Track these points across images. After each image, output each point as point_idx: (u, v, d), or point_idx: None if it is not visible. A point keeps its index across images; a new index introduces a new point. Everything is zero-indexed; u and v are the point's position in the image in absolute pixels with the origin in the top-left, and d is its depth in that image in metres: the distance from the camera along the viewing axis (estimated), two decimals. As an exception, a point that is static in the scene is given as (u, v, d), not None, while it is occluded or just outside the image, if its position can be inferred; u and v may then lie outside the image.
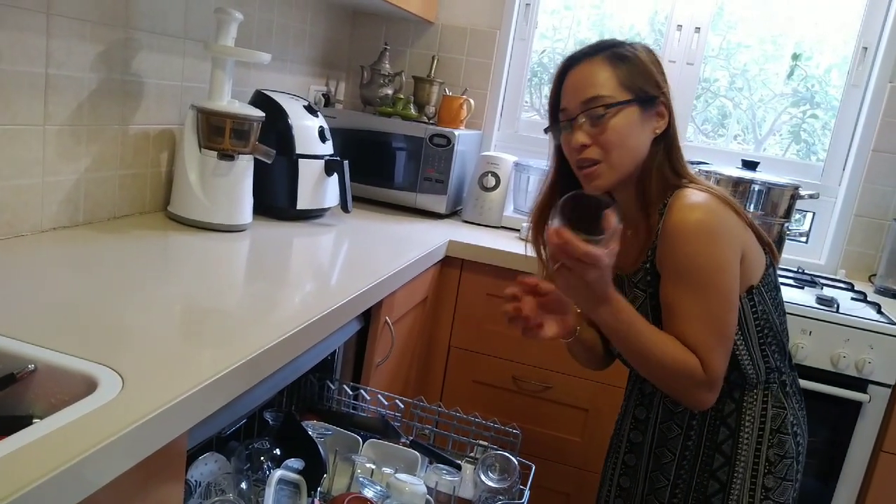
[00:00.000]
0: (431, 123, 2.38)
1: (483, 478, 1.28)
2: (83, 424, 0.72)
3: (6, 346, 0.87)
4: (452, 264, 2.03)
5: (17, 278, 1.12)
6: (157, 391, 0.81)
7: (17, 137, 1.30)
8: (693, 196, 1.08)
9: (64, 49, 1.35)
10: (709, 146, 2.56)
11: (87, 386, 0.81)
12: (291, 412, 1.34)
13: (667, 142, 1.14)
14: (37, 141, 1.34)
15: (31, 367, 0.84)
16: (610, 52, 1.11)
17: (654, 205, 1.12)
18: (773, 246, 1.19)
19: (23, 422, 0.81)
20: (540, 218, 1.25)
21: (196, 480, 1.09)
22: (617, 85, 1.09)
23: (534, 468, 1.33)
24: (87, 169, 1.47)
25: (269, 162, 1.68)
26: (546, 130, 1.20)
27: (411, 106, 2.41)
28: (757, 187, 1.99)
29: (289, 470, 1.15)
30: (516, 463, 1.28)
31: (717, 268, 1.06)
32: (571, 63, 1.14)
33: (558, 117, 1.16)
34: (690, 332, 1.07)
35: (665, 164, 1.13)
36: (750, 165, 2.09)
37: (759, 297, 1.14)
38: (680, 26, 2.46)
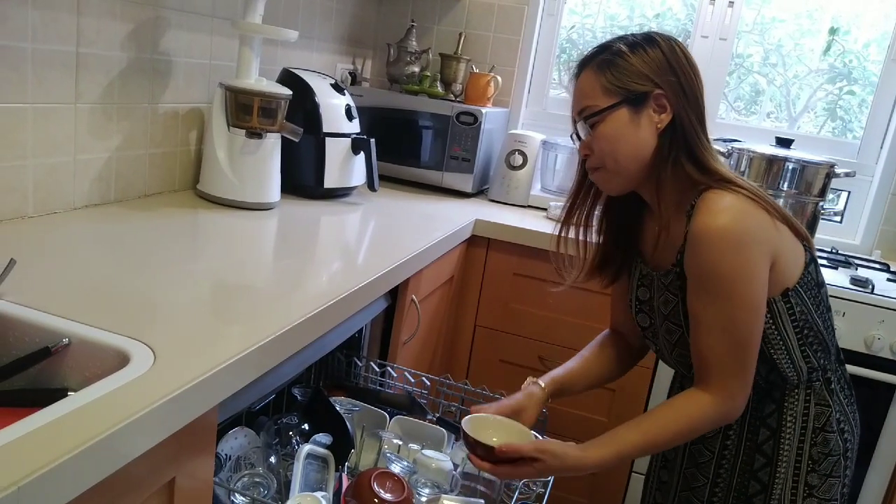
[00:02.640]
0: (458, 101, 2.36)
1: None
2: (116, 397, 0.73)
3: (41, 320, 0.88)
4: (479, 243, 2.02)
5: (50, 255, 1.14)
6: (188, 365, 0.82)
7: (49, 116, 1.31)
8: (720, 200, 1.03)
9: (94, 27, 1.36)
10: (741, 123, 2.51)
11: (120, 360, 0.82)
12: (319, 388, 1.36)
13: (677, 133, 1.08)
14: (69, 119, 1.36)
15: (66, 341, 0.86)
16: (598, 59, 1.10)
17: (680, 203, 1.09)
18: (811, 240, 1.14)
19: (57, 394, 0.84)
20: (569, 218, 1.25)
21: (226, 454, 1.11)
22: (601, 92, 1.09)
23: (560, 447, 1.33)
24: (117, 147, 1.49)
25: (296, 140, 1.69)
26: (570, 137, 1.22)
27: (438, 84, 2.40)
28: (791, 165, 1.95)
29: (317, 445, 1.16)
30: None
31: (741, 277, 1.02)
32: (573, 75, 1.16)
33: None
34: (709, 343, 1.06)
35: (681, 156, 1.08)
36: (784, 143, 2.05)
37: (797, 299, 1.09)
38: (713, 0, 2.40)
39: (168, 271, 1.15)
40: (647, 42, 1.09)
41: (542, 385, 1.27)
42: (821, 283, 1.14)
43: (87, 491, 0.66)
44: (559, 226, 1.25)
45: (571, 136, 1.18)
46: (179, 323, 0.95)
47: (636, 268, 1.24)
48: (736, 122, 2.51)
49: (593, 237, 1.25)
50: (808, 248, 1.13)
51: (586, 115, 1.10)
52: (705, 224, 1.02)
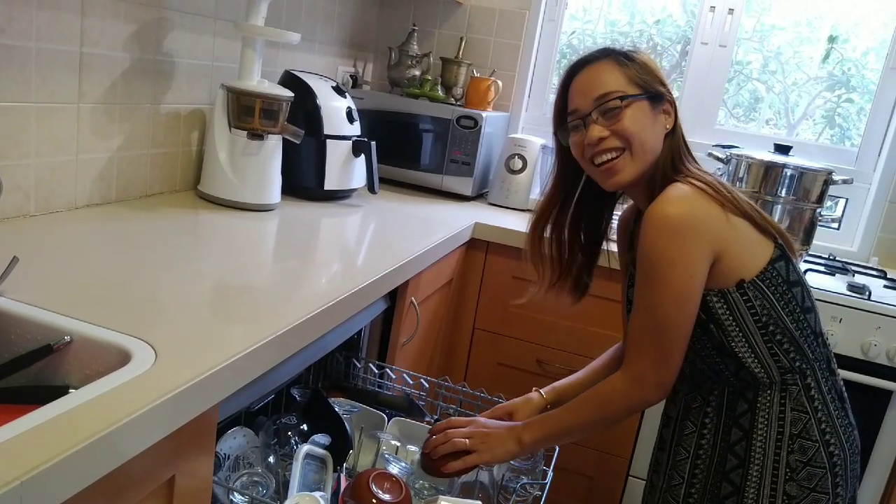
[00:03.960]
0: (459, 105, 2.37)
1: None
2: (118, 395, 0.74)
3: (43, 318, 0.89)
4: (478, 246, 2.03)
5: (52, 253, 1.15)
6: (188, 364, 0.82)
7: (53, 115, 1.32)
8: (674, 190, 1.10)
9: (98, 28, 1.37)
10: (740, 130, 2.52)
11: (121, 358, 0.83)
12: (318, 389, 1.36)
13: (673, 140, 1.17)
14: (71, 119, 1.36)
15: (67, 338, 0.86)
16: (616, 54, 1.16)
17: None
18: (786, 238, 1.15)
19: (59, 391, 0.84)
20: (541, 220, 1.30)
21: (225, 453, 1.12)
22: (627, 81, 1.14)
23: (557, 450, 1.33)
24: (119, 147, 1.49)
25: (297, 142, 1.69)
26: (554, 134, 1.24)
27: (439, 87, 2.41)
28: (789, 172, 1.96)
29: (316, 445, 1.16)
30: None
31: (668, 261, 1.06)
32: (577, 68, 1.18)
33: (565, 121, 1.20)
34: (633, 325, 1.13)
35: (668, 162, 1.16)
36: (782, 149, 2.06)
37: (756, 292, 1.10)
38: (713, 7, 2.41)
39: (169, 271, 1.15)
40: (649, 56, 1.19)
41: (543, 394, 1.34)
42: (793, 282, 1.13)
43: (88, 487, 0.67)
44: (531, 234, 1.30)
45: (554, 134, 1.21)
46: (180, 322, 0.95)
47: (629, 269, 1.28)
48: (734, 129, 2.52)
49: (559, 252, 1.30)
50: (781, 245, 1.14)
51: (614, 98, 1.12)
52: (652, 210, 1.08)
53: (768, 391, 1.14)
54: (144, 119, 1.55)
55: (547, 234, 1.29)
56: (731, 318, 1.11)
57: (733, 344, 1.11)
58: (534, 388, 1.35)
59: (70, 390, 0.84)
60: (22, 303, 0.92)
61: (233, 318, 1.01)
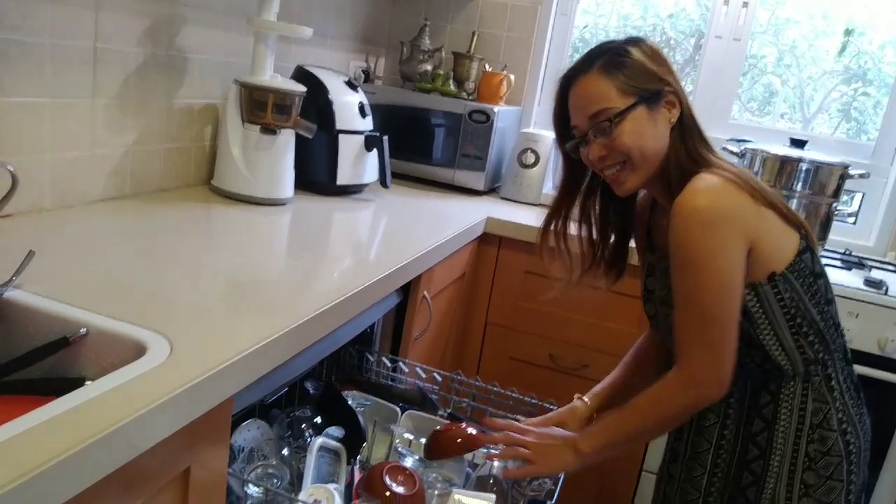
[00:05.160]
0: (471, 99, 2.37)
1: None
2: (134, 387, 0.74)
3: (59, 310, 0.90)
4: (490, 241, 2.03)
5: (67, 247, 1.16)
6: (204, 357, 0.83)
7: (67, 110, 1.33)
8: (702, 181, 1.08)
9: (112, 23, 1.38)
10: (754, 124, 2.50)
11: (137, 350, 0.83)
12: (332, 382, 1.36)
13: (682, 128, 1.14)
14: (86, 114, 1.37)
15: (83, 331, 0.87)
16: (602, 61, 1.11)
17: (675, 193, 1.11)
18: (810, 230, 1.14)
19: (75, 383, 0.84)
20: (553, 219, 1.28)
21: (239, 445, 1.12)
22: (617, 93, 1.10)
23: (570, 444, 1.33)
24: (133, 142, 1.50)
25: (309, 137, 1.70)
26: (559, 144, 1.23)
27: (450, 82, 2.40)
28: (804, 166, 1.94)
29: (329, 438, 1.17)
30: None
31: (708, 252, 1.04)
32: (569, 81, 1.15)
33: (567, 132, 1.18)
34: (680, 320, 1.10)
35: (681, 150, 1.13)
36: (798, 144, 2.04)
37: (786, 285, 1.09)
38: (727, 1, 2.39)
39: (183, 264, 1.16)
40: (638, 42, 1.14)
41: (587, 400, 1.33)
42: (818, 274, 1.13)
43: (105, 478, 0.67)
44: (543, 231, 1.29)
45: (566, 145, 1.19)
46: (195, 315, 0.96)
47: (647, 259, 1.28)
48: (749, 123, 2.51)
49: (589, 236, 1.29)
50: (805, 237, 1.13)
51: (606, 118, 1.10)
52: (681, 203, 1.06)
53: (791, 382, 1.14)
54: (158, 114, 1.56)
55: (569, 227, 1.28)
56: (760, 310, 1.10)
57: (761, 336, 1.11)
58: (575, 396, 1.34)
59: (86, 382, 0.84)
60: (38, 295, 0.92)
61: (247, 312, 1.02)
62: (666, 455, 1.33)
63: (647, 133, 1.11)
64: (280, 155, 1.66)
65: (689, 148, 1.13)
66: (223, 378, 0.83)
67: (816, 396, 1.14)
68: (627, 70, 1.10)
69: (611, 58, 1.11)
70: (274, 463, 1.08)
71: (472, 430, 1.21)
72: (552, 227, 1.28)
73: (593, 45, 1.16)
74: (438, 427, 1.25)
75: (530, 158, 2.28)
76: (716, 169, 1.10)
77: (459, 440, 1.20)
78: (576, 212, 1.27)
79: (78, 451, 0.63)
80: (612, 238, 1.29)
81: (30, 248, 0.96)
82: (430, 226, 1.78)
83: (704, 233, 1.04)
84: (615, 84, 1.10)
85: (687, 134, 1.14)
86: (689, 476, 1.23)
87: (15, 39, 1.19)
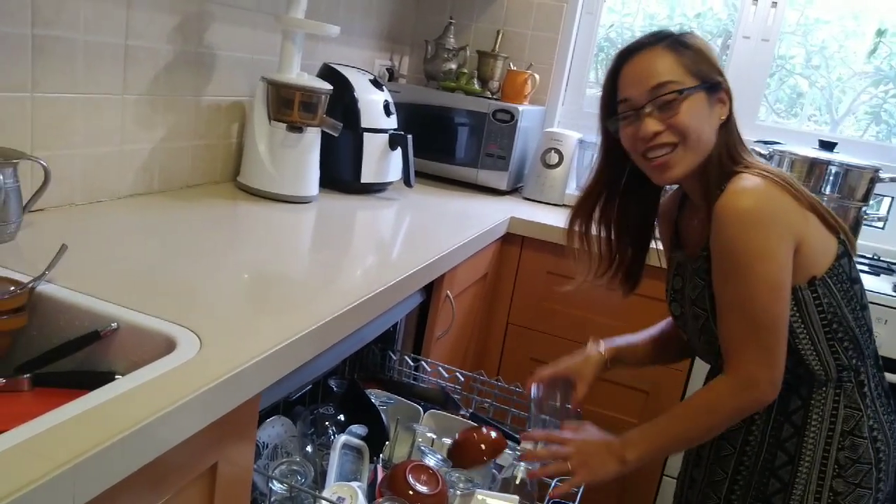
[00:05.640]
0: (495, 98, 2.36)
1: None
2: (165, 382, 0.75)
3: (91, 304, 0.91)
4: (513, 241, 2.02)
5: (98, 242, 1.17)
6: (233, 353, 0.83)
7: (98, 106, 1.34)
8: (745, 181, 1.05)
9: (143, 20, 1.39)
10: (781, 126, 2.47)
11: (167, 345, 0.84)
12: (355, 380, 1.37)
13: (728, 130, 1.12)
14: (116, 110, 1.39)
15: (114, 325, 0.88)
16: (670, 40, 1.10)
17: (713, 192, 1.09)
18: (849, 234, 1.13)
19: (105, 377, 0.85)
20: (582, 211, 1.25)
21: (263, 442, 1.13)
22: (683, 71, 1.08)
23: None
24: (162, 139, 1.51)
25: (335, 135, 1.70)
26: (602, 123, 1.19)
27: (475, 81, 2.40)
28: (834, 169, 1.92)
29: (353, 436, 1.17)
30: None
31: (759, 255, 1.02)
32: (629, 53, 1.12)
33: (614, 110, 1.14)
34: (729, 325, 1.07)
35: (724, 152, 1.11)
36: (827, 146, 2.01)
37: (825, 290, 1.08)
38: (756, 0, 2.36)
39: (211, 261, 1.17)
40: (703, 40, 1.12)
41: (602, 351, 1.30)
42: (854, 279, 1.12)
43: (136, 472, 0.68)
44: (571, 224, 1.26)
45: (603, 123, 1.16)
46: (223, 311, 0.96)
47: (674, 258, 1.25)
48: (775, 125, 2.47)
49: (608, 241, 1.26)
50: (843, 240, 1.11)
51: (672, 90, 1.06)
52: (726, 203, 1.04)
53: (823, 388, 1.12)
54: (186, 111, 1.57)
55: (592, 227, 1.25)
56: (798, 315, 1.08)
57: (797, 341, 1.09)
58: (591, 339, 1.31)
59: (116, 376, 0.85)
60: (70, 289, 0.93)
61: (273, 309, 1.02)
62: (690, 458, 1.32)
63: (705, 120, 1.09)
64: (306, 153, 1.67)
65: (731, 148, 1.11)
66: (251, 375, 0.83)
67: (848, 403, 1.12)
68: (694, 53, 1.09)
69: (677, 38, 1.10)
70: (298, 460, 1.09)
71: (493, 434, 1.21)
72: (577, 222, 1.26)
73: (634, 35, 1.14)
74: (458, 435, 1.25)
75: (554, 158, 2.27)
76: (755, 169, 1.08)
77: (483, 446, 1.19)
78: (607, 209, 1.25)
79: (114, 443, 0.63)
80: (629, 249, 1.27)
81: (62, 243, 0.97)
82: (453, 225, 1.78)
83: (752, 235, 1.02)
84: (682, 62, 1.08)
85: (730, 134, 1.12)
86: (711, 480, 1.22)
87: (50, 35, 1.20)
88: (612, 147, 1.18)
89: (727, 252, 1.04)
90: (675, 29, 1.13)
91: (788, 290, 1.05)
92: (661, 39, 1.10)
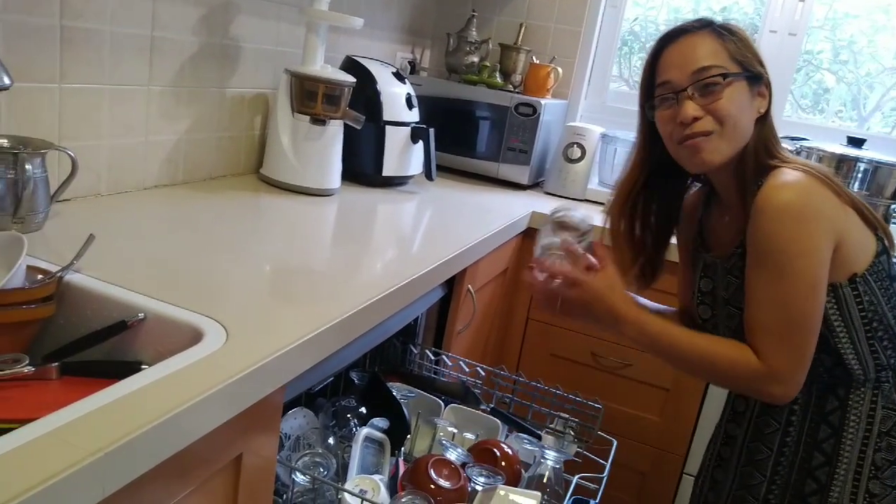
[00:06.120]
0: (517, 92, 2.35)
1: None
2: (192, 372, 0.75)
3: (118, 294, 0.91)
4: (534, 236, 2.00)
5: (123, 232, 1.18)
6: (259, 344, 0.83)
7: (124, 97, 1.35)
8: (786, 175, 1.03)
9: (169, 12, 1.39)
10: (806, 122, 2.43)
11: (193, 336, 0.84)
12: (377, 373, 1.37)
13: (765, 122, 1.10)
14: (142, 101, 1.39)
15: (141, 315, 0.88)
16: (715, 25, 1.08)
17: (750, 188, 1.08)
18: (888, 231, 1.10)
19: (132, 367, 0.86)
20: (625, 200, 1.23)
21: (285, 433, 1.13)
22: (728, 57, 1.06)
23: (615, 444, 1.32)
24: (186, 130, 1.52)
25: (358, 128, 1.70)
26: (640, 107, 1.16)
27: (497, 74, 2.38)
28: (863, 166, 1.89)
29: (374, 429, 1.17)
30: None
31: (798, 251, 1.00)
32: (673, 36, 1.10)
33: (653, 93, 1.12)
34: (759, 318, 1.04)
35: (761, 147, 1.09)
36: (856, 142, 1.98)
37: (866, 287, 1.06)
38: (783, -6, 2.33)
39: (234, 252, 1.17)
40: (741, 27, 1.10)
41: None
42: (894, 277, 1.10)
43: (163, 462, 0.68)
44: (613, 211, 1.23)
45: (641, 106, 1.15)
46: (247, 302, 0.97)
47: (700, 259, 1.23)
48: (801, 121, 2.44)
49: (630, 234, 1.24)
50: (881, 237, 1.09)
51: (716, 74, 1.05)
52: (768, 197, 1.02)
53: (861, 388, 1.11)
54: (210, 103, 1.57)
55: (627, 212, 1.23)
56: (838, 313, 1.06)
57: (836, 340, 1.07)
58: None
59: (142, 366, 0.86)
60: (97, 279, 0.94)
61: (297, 301, 1.02)
62: (711, 460, 1.31)
63: (745, 109, 1.07)
64: (329, 145, 1.66)
65: (767, 143, 1.09)
66: (277, 366, 0.83)
67: (886, 403, 1.10)
68: (739, 41, 1.07)
69: (723, 25, 1.08)
70: (320, 451, 1.09)
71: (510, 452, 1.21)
72: (621, 212, 1.23)
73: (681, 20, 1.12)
74: (481, 440, 1.26)
75: (576, 153, 2.26)
76: (794, 164, 1.06)
77: (504, 463, 1.19)
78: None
79: (139, 436, 0.63)
80: (651, 241, 1.25)
81: (90, 233, 0.98)
82: (474, 219, 1.77)
83: (794, 230, 1.00)
84: (727, 48, 1.06)
85: (768, 130, 1.10)
86: (746, 483, 1.20)
87: (78, 27, 1.21)
88: (652, 137, 1.16)
89: (767, 246, 1.02)
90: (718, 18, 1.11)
91: (825, 289, 1.03)
92: (706, 25, 1.08)
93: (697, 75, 1.05)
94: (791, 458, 1.15)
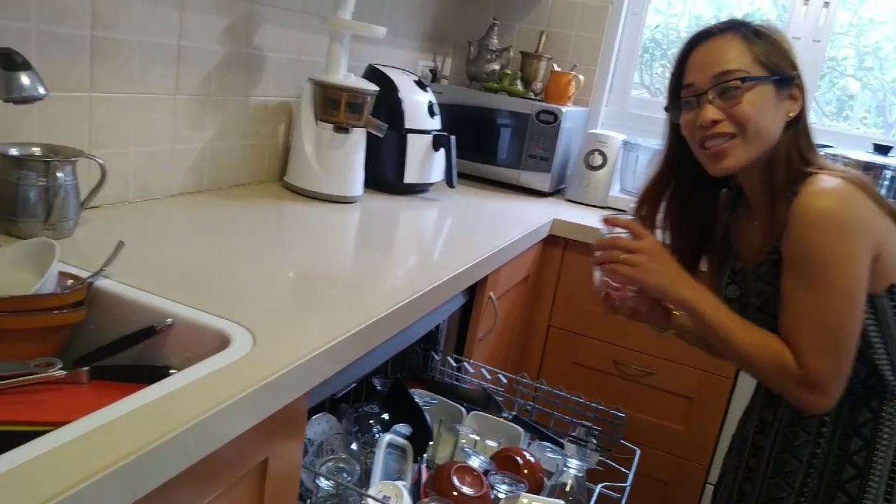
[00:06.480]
0: (538, 100, 2.35)
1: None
2: (220, 378, 0.76)
3: (147, 300, 0.93)
4: (555, 243, 2.01)
5: (151, 239, 1.19)
6: (285, 350, 0.84)
7: (152, 106, 1.37)
8: (825, 182, 1.01)
9: (195, 22, 1.42)
10: (831, 129, 2.41)
11: (221, 341, 0.85)
12: (399, 379, 1.37)
13: (797, 127, 1.08)
14: (168, 110, 1.41)
15: (170, 321, 0.90)
16: (744, 28, 1.07)
17: (783, 193, 1.06)
18: None
19: (160, 372, 0.87)
20: (650, 198, 1.22)
21: (309, 438, 1.14)
22: (752, 60, 1.05)
23: (638, 453, 1.31)
24: (212, 138, 1.54)
25: (380, 136, 1.71)
26: (666, 109, 1.16)
27: (518, 82, 2.39)
28: (889, 173, 1.87)
29: (397, 435, 1.18)
30: None
31: (836, 261, 0.98)
32: (700, 39, 1.09)
33: (678, 97, 1.12)
34: (795, 326, 1.02)
35: (794, 151, 1.07)
36: (882, 150, 1.96)
37: None
38: (807, 0, 2.31)
39: (259, 259, 1.18)
40: (782, 32, 1.09)
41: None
42: None
43: (191, 466, 0.69)
44: (641, 208, 1.23)
45: (665, 109, 1.14)
46: (273, 309, 0.98)
47: (727, 265, 1.21)
48: (825, 128, 2.42)
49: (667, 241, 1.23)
50: None
51: (736, 78, 1.04)
52: (806, 204, 1.00)
53: (894, 400, 1.09)
54: (235, 111, 1.59)
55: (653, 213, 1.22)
56: (875, 324, 1.05)
57: (872, 350, 1.06)
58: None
59: (171, 371, 0.87)
60: (126, 285, 0.95)
61: (322, 307, 1.03)
62: (738, 472, 1.29)
63: (769, 113, 1.05)
64: (351, 153, 1.68)
65: (801, 149, 1.07)
66: (303, 372, 0.84)
67: None
68: (767, 44, 1.06)
69: (752, 27, 1.07)
70: (344, 457, 1.09)
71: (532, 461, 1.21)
72: (644, 213, 1.22)
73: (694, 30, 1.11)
74: (503, 448, 1.26)
75: (597, 160, 2.25)
76: (830, 171, 1.04)
77: (527, 471, 1.19)
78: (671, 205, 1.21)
79: (169, 440, 0.64)
80: (685, 247, 1.23)
81: (119, 239, 1.00)
82: (496, 226, 1.78)
83: (831, 239, 0.98)
84: (752, 51, 1.05)
85: (801, 134, 1.08)
86: (774, 496, 1.18)
87: (108, 37, 1.23)
88: (676, 137, 1.16)
89: (805, 254, 1.00)
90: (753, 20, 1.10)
91: (864, 300, 1.01)
92: (735, 27, 1.07)
93: (718, 79, 1.05)
94: (821, 470, 1.13)
